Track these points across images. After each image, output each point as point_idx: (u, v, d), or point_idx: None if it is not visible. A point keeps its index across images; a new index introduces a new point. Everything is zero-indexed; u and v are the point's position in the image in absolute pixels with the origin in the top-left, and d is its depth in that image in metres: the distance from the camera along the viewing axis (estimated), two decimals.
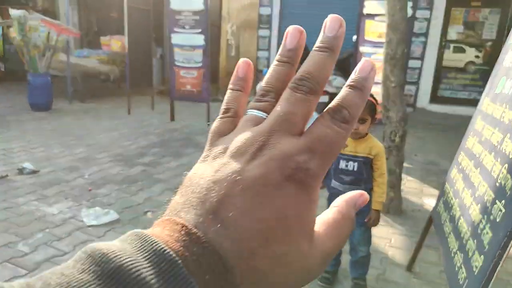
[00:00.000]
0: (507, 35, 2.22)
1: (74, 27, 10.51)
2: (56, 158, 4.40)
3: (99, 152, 4.74)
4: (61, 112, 7.02)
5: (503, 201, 1.46)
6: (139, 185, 3.76)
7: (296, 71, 0.31)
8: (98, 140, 5.31)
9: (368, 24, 5.68)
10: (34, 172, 3.87)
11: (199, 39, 6.33)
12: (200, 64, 6.46)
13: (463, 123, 2.38)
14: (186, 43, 6.42)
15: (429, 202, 3.62)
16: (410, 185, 4.15)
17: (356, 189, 1.49)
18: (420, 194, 3.92)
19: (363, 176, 2.09)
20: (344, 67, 7.12)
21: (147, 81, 7.83)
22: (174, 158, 4.69)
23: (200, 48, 6.37)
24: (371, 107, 2.05)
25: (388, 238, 2.96)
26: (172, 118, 6.93)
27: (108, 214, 3.02)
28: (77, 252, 0.23)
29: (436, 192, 3.61)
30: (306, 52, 0.30)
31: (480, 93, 2.29)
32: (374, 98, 2.09)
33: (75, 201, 3.31)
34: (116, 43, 9.47)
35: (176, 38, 6.47)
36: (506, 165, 1.54)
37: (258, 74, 7.74)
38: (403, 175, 3.72)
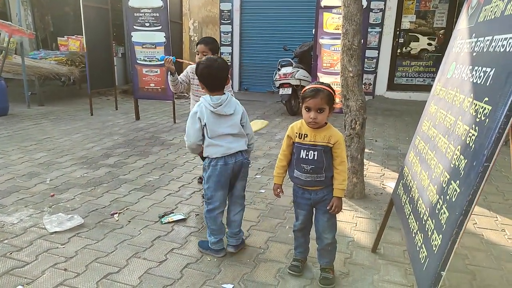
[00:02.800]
0: (456, 23, 2.28)
1: (28, 28, 10.07)
2: (14, 165, 4.22)
3: (61, 156, 4.58)
4: (19, 117, 6.71)
5: (457, 182, 1.51)
6: (104, 187, 3.66)
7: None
8: (59, 143, 5.13)
9: (326, 16, 5.75)
10: None
11: (160, 36, 6.25)
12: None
13: (419, 108, 2.46)
14: (147, 40, 6.32)
15: (391, 185, 3.72)
16: (372, 170, 4.26)
17: (317, 178, 1.55)
18: (381, 178, 4.04)
19: (323, 165, 2.09)
20: (305, 59, 7.22)
21: (109, 81, 7.62)
22: (141, 157, 4.61)
23: (161, 45, 6.29)
24: (329, 97, 2.04)
25: (353, 223, 3.02)
26: (137, 117, 6.80)
27: (72, 219, 2.92)
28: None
29: (396, 175, 3.73)
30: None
31: (434, 79, 2.37)
32: (332, 89, 2.09)
33: (36, 208, 3.17)
34: (74, 43, 9.16)
35: (136, 36, 6.36)
36: (459, 147, 1.58)
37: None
38: (365, 161, 3.81)
